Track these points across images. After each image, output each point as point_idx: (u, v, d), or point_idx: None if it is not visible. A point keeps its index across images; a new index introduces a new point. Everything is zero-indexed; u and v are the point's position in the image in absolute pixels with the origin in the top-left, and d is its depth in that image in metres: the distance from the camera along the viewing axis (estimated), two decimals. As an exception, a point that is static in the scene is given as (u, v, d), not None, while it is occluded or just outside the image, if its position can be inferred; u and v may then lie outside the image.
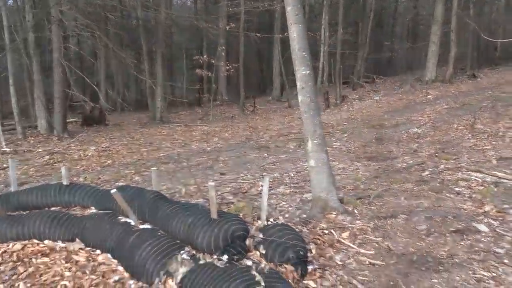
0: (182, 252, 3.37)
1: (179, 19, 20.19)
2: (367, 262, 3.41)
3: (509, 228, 3.72)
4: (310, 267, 3.32)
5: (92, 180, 6.98)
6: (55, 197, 4.66)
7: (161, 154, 9.39)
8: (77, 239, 3.92)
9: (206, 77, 17.80)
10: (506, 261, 3.17)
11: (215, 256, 3.22)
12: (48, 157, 9.23)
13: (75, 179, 7.06)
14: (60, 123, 12.41)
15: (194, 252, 3.40)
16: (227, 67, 16.34)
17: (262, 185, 4.35)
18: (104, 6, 14.58)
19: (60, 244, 3.79)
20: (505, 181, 5.02)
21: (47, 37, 12.32)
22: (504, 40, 15.78)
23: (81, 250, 3.73)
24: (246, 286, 2.73)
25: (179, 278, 3.13)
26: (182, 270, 3.21)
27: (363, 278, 3.18)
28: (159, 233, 3.65)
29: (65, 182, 4.73)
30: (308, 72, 4.37)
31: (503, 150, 6.47)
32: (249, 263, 3.14)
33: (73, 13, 12.11)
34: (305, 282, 3.11)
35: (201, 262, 3.24)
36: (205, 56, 16.59)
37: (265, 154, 8.67)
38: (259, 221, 3.92)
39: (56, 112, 12.50)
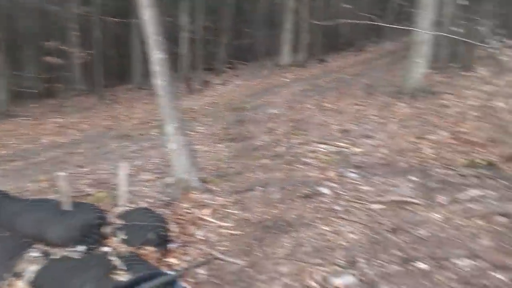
0: (30, 249, 3.12)
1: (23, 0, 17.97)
2: (227, 234, 3.59)
3: (347, 188, 4.29)
4: (173, 246, 3.37)
5: None
6: None
7: (4, 152, 8.37)
8: None
9: (57, 65, 16.23)
10: (343, 216, 3.66)
11: (68, 248, 3.05)
12: None
13: None
14: None
15: (46, 248, 3.18)
16: (82, 54, 15.16)
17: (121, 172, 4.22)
18: None
19: None
20: (345, 150, 5.73)
21: None
22: (329, 23, 17.79)
23: None
24: (104, 272, 2.66)
25: (29, 277, 2.91)
26: (33, 268, 2.98)
27: (223, 248, 3.36)
28: (2, 234, 3.32)
29: None
30: (162, 56, 4.35)
31: (344, 124, 7.32)
32: (108, 250, 3.06)
33: None
34: (167, 260, 3.15)
35: (55, 256, 3.05)
36: (54, 42, 15.11)
37: (127, 143, 8.38)
38: (118, 208, 3.82)
39: None
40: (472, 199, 3.73)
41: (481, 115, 6.35)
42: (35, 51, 20.63)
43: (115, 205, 3.95)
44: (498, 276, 2.64)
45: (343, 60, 19.73)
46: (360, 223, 3.48)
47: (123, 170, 3.89)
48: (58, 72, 20.45)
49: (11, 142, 9.37)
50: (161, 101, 4.50)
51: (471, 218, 3.40)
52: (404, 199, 3.85)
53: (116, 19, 18.41)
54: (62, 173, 3.49)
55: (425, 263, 2.87)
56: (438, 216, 3.53)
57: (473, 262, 2.81)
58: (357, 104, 8.60)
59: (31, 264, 2.99)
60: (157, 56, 4.36)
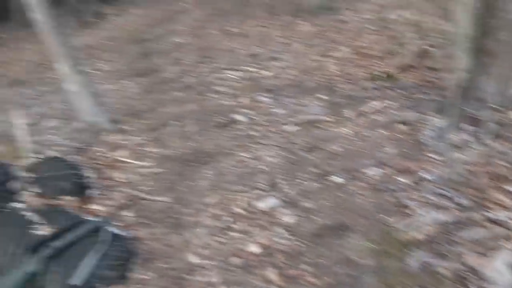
0: None
1: None
2: (149, 173, 3.58)
3: (261, 113, 4.40)
4: (93, 192, 3.29)
5: None
6: None
7: None
8: None
9: None
10: (261, 141, 3.80)
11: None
12: None
13: None
14: None
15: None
16: None
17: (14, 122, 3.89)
18: None
19: None
20: (255, 74, 5.79)
21: None
22: None
23: None
24: (22, 229, 2.55)
25: None
26: None
27: (146, 188, 3.36)
28: None
29: None
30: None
31: (251, 48, 7.30)
32: (18, 206, 2.90)
33: None
34: (88, 207, 3.09)
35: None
36: None
37: (23, 90, 7.61)
38: (23, 160, 3.57)
39: None
40: (376, 111, 4.03)
41: (377, 28, 6.71)
42: None
43: (19, 158, 3.69)
44: (403, 180, 2.98)
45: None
46: (276, 146, 3.65)
47: (17, 118, 3.57)
48: None
49: None
50: (46, 39, 4.08)
51: (376, 129, 3.69)
52: (315, 117, 4.07)
53: None
54: None
55: (339, 177, 3.12)
56: (347, 130, 3.79)
57: (380, 170, 3.12)
58: (261, 26, 8.55)
59: None
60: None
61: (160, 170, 3.61)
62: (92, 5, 15.63)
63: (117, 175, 3.59)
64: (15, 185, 3.11)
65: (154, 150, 3.95)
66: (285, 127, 3.97)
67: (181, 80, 6.30)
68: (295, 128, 3.95)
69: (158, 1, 17.12)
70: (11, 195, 2.99)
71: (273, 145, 3.69)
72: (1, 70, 10.07)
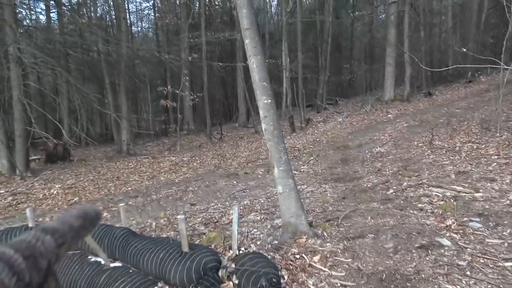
0: (155, 288, 3.35)
1: (141, 51, 20.25)
2: (339, 284, 3.48)
3: (470, 240, 3.90)
4: (285, 294, 3.36)
5: (58, 220, 6.79)
6: (20, 241, 4.53)
7: (129, 188, 9.26)
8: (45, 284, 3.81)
9: (171, 107, 17.78)
10: (468, 273, 3.32)
11: (188, 291, 3.21)
12: (11, 198, 8.92)
13: (40, 219, 6.86)
14: (22, 162, 12.01)
15: (167, 287, 3.39)
16: (192, 97, 16.45)
17: (232, 214, 4.38)
18: (64, 42, 14.48)
19: (26, 290, 3.67)
20: (463, 194, 5.27)
21: (5, 75, 12.02)
22: (440, 69, 16.75)
23: (49, 295, 3.61)
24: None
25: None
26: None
27: (336, 301, 3.24)
28: (130, 271, 3.62)
29: (30, 224, 4.62)
30: (269, 101, 4.49)
31: (460, 164, 6.78)
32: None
33: (32, 50, 11.95)
34: (280, 309, 3.14)
35: (174, 297, 3.23)
36: (169, 87, 16.63)
37: (235, 182, 8.71)
38: (230, 251, 3.95)
39: (17, 151, 12.11)
40: None
41: None
42: (152, 95, 22.90)
43: (229, 248, 4.10)
44: None
45: (452, 92, 18.49)
46: (490, 284, 3.12)
47: (235, 213, 4.03)
48: (172, 113, 22.35)
49: (133, 179, 10.34)
50: (269, 145, 4.61)
51: None
52: (543, 256, 3.38)
53: (221, 64, 19.73)
54: (181, 216, 3.73)
55: None
56: None
57: None
58: (473, 142, 7.93)
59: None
60: (264, 101, 4.51)
61: (351, 283, 3.47)
62: (302, 111, 17.40)
63: (308, 280, 3.60)
64: (221, 273, 3.44)
65: (347, 260, 3.86)
66: (503, 263, 3.38)
67: (380, 191, 6.21)
68: (517, 267, 3.32)
69: (361, 111, 17.97)
70: (219, 282, 3.31)
71: (486, 281, 3.16)
72: (220, 163, 11.85)
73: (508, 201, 4.78)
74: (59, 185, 10.01)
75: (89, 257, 3.99)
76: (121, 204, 4.69)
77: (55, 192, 9.31)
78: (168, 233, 5.26)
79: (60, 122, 16.09)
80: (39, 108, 14.41)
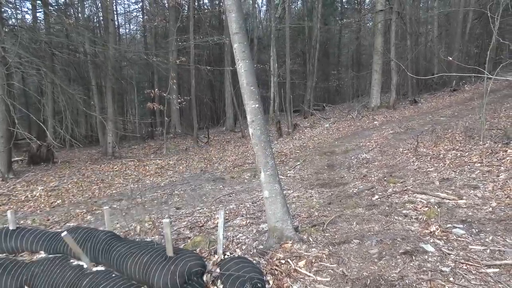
0: (142, 292, 3.30)
1: (129, 53, 20.09)
2: (324, 290, 3.48)
3: (453, 246, 3.94)
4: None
5: (40, 222, 6.69)
6: (1, 244, 4.44)
7: (113, 191, 9.15)
8: (25, 287, 3.74)
9: (158, 110, 17.66)
10: (451, 279, 3.35)
11: (172, 295, 3.17)
12: (-9, 200, 8.73)
13: (22, 222, 6.72)
14: (5, 163, 11.76)
15: (150, 292, 3.34)
16: (179, 100, 16.35)
17: (218, 218, 4.36)
18: (50, 42, 14.28)
19: (6, 294, 3.59)
20: (447, 201, 5.33)
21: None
22: (425, 77, 17.04)
23: (29, 299, 3.55)
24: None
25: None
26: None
27: (320, 306, 3.24)
28: (113, 275, 3.56)
29: (11, 227, 4.52)
30: (257, 105, 4.49)
31: (444, 171, 6.87)
32: (206, 300, 3.13)
33: (17, 49, 11.75)
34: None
35: (159, 302, 3.18)
36: (156, 90, 16.51)
37: (221, 186, 8.68)
38: (215, 255, 3.92)
39: (-1, 152, 11.88)
40: None
41: None
42: (138, 97, 22.73)
43: (214, 252, 4.07)
44: None
45: (437, 100, 18.78)
46: (473, 289, 3.15)
47: (221, 217, 4.01)
48: (159, 116, 22.22)
49: (118, 182, 10.22)
50: (255, 149, 4.60)
51: None
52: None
53: (209, 67, 19.69)
54: (166, 220, 3.69)
55: None
56: None
57: None
58: (457, 150, 8.04)
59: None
60: (252, 106, 4.50)
61: (336, 290, 3.48)
62: (289, 116, 17.45)
63: (292, 285, 3.59)
64: (206, 278, 3.41)
65: (332, 266, 3.87)
66: (486, 270, 3.41)
67: (365, 196, 6.25)
68: (497, 272, 3.36)
69: (348, 117, 18.11)
70: (203, 287, 3.27)
71: (468, 287, 3.19)
72: (206, 167, 11.79)
73: (491, 208, 4.85)
74: (42, 187, 9.84)
75: (71, 260, 3.91)
76: (105, 207, 4.62)
77: (37, 194, 9.14)
78: (153, 237, 5.21)
79: (44, 123, 15.83)
80: (23, 109, 14.19)
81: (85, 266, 3.76)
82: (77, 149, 17.72)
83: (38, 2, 16.89)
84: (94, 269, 3.73)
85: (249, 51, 4.52)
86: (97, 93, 17.25)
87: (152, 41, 25.13)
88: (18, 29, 13.64)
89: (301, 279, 3.66)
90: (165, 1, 23.61)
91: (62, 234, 3.56)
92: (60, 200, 8.57)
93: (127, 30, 33.32)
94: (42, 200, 8.62)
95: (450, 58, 8.22)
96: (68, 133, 12.17)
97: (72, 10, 20.50)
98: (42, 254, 4.33)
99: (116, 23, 24.29)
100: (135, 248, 3.80)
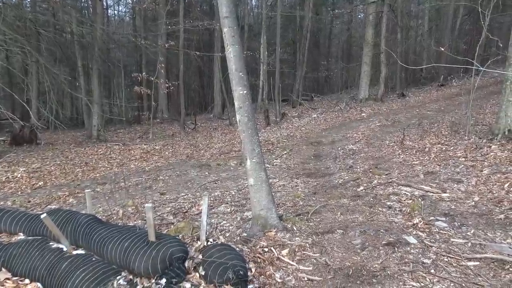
0: (118, 277, 3.25)
1: (117, 35, 19.72)
2: (306, 279, 3.48)
3: (435, 239, 3.97)
4: (250, 286, 3.33)
5: (21, 203, 6.56)
6: (-23, 225, 4.35)
7: (97, 175, 9.03)
8: (2, 269, 3.67)
9: (145, 94, 17.41)
10: (432, 271, 3.37)
11: (153, 280, 3.13)
12: (-30, 180, 8.54)
13: (1, 203, 6.60)
14: (-15, 143, 11.54)
15: (131, 277, 3.29)
16: (167, 85, 16.13)
17: (202, 205, 4.31)
18: (36, 21, 13.91)
19: (-18, 275, 3.52)
20: (431, 194, 5.38)
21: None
22: (415, 67, 17.09)
23: (7, 280, 3.50)
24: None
25: (115, 305, 3.02)
26: (119, 297, 3.10)
27: (302, 295, 3.24)
28: (93, 259, 3.50)
29: (-11, 208, 4.42)
30: (245, 92, 4.42)
31: (429, 164, 6.92)
32: (187, 285, 3.10)
33: (1, 27, 11.40)
34: (245, 301, 3.10)
35: (138, 287, 3.14)
36: (144, 73, 16.27)
37: (206, 173, 8.63)
38: (198, 241, 3.89)
39: (-20, 132, 11.62)
40: None
41: None
42: (126, 80, 22.38)
43: (197, 239, 4.03)
44: None
45: (424, 95, 18.92)
46: (453, 282, 3.17)
47: (205, 204, 3.96)
48: (146, 101, 21.94)
49: (102, 166, 10.09)
50: (242, 136, 4.55)
51: None
52: (505, 258, 3.46)
53: (199, 53, 19.42)
54: (148, 205, 3.63)
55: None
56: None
57: None
58: (442, 144, 8.11)
59: (117, 292, 3.11)
60: (240, 92, 4.43)
61: (318, 278, 3.48)
62: (278, 105, 17.40)
63: (274, 273, 3.58)
64: (188, 264, 3.37)
65: (315, 255, 3.87)
66: (466, 263, 3.45)
67: (350, 187, 6.27)
68: (478, 265, 3.40)
69: (336, 108, 18.14)
70: (184, 273, 3.24)
71: (449, 279, 3.22)
72: (193, 153, 11.72)
73: (473, 202, 4.90)
74: (24, 169, 9.66)
75: (50, 243, 3.85)
76: (86, 190, 4.54)
77: (19, 176, 8.97)
78: (136, 222, 5.15)
79: (28, 104, 15.49)
80: (6, 88, 13.85)
81: (64, 249, 3.70)
82: (62, 131, 17.39)
83: (24, -22, 16.40)
84: (74, 252, 3.67)
85: (239, 36, 4.44)
86: (83, 75, 16.90)
87: (141, 24, 24.69)
88: (2, 6, 13.23)
89: (284, 268, 3.66)
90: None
91: (42, 216, 3.49)
92: (42, 182, 8.43)
93: (115, 12, 32.71)
94: (24, 182, 8.47)
95: (442, 49, 8.24)
96: (53, 114, 11.91)
97: (59, -12, 19.94)
98: (21, 236, 4.26)
99: (104, 4, 23.78)
100: (117, 232, 3.74)
